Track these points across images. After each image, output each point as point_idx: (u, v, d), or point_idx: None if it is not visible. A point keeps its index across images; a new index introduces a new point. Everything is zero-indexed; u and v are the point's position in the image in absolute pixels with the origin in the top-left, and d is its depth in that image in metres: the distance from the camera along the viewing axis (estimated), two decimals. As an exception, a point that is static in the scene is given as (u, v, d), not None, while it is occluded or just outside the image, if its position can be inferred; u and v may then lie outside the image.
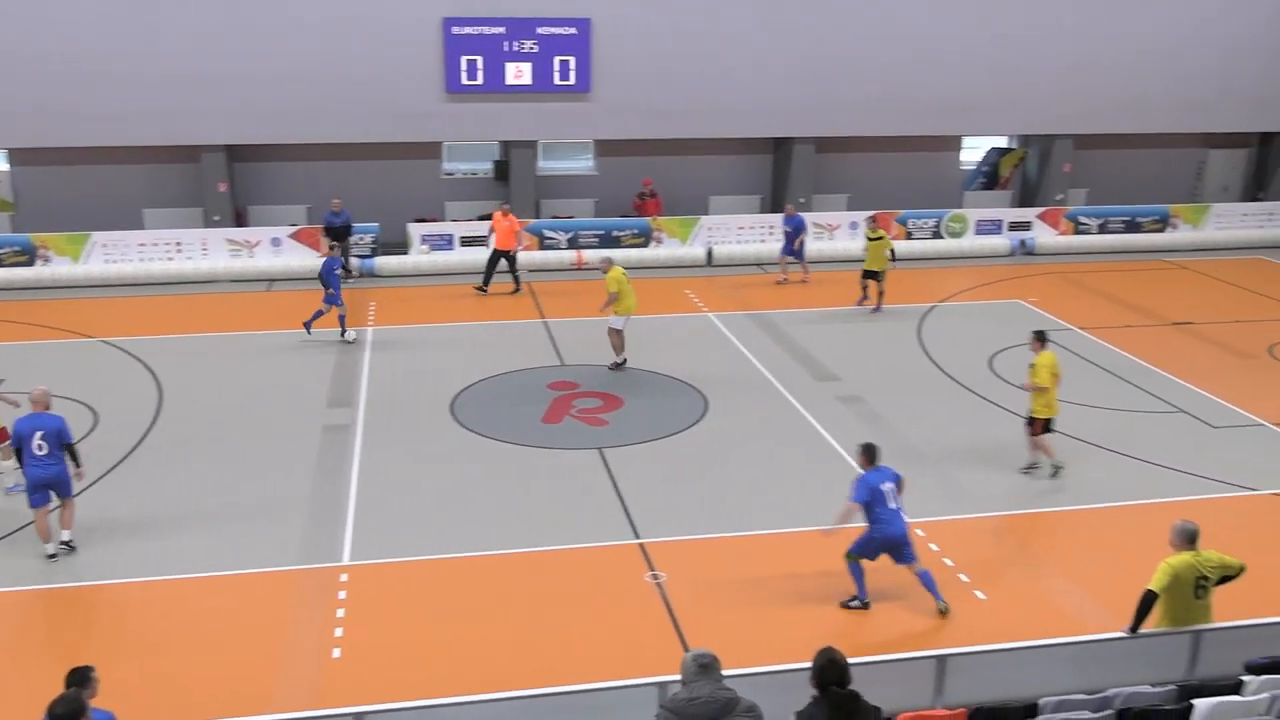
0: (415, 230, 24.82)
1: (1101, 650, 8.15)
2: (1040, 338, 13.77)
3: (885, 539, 10.60)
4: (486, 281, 22.58)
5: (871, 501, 10.54)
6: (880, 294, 21.15)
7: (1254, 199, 29.11)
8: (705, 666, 6.56)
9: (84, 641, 10.26)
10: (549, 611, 10.81)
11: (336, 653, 10.08)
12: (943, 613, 10.62)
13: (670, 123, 25.47)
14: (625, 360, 17.78)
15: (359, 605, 10.87)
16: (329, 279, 18.93)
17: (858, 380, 17.42)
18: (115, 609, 10.95)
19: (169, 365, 17.87)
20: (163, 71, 23.23)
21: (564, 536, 12.27)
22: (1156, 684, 7.76)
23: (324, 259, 19.32)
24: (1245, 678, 7.64)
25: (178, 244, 23.82)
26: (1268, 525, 12.92)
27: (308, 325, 19.18)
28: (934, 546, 12.07)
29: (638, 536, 12.29)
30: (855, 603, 10.84)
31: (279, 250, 24.13)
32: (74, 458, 11.69)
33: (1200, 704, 7.10)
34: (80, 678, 7.13)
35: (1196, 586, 8.30)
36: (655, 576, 11.43)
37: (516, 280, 22.74)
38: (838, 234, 25.94)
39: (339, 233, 23.39)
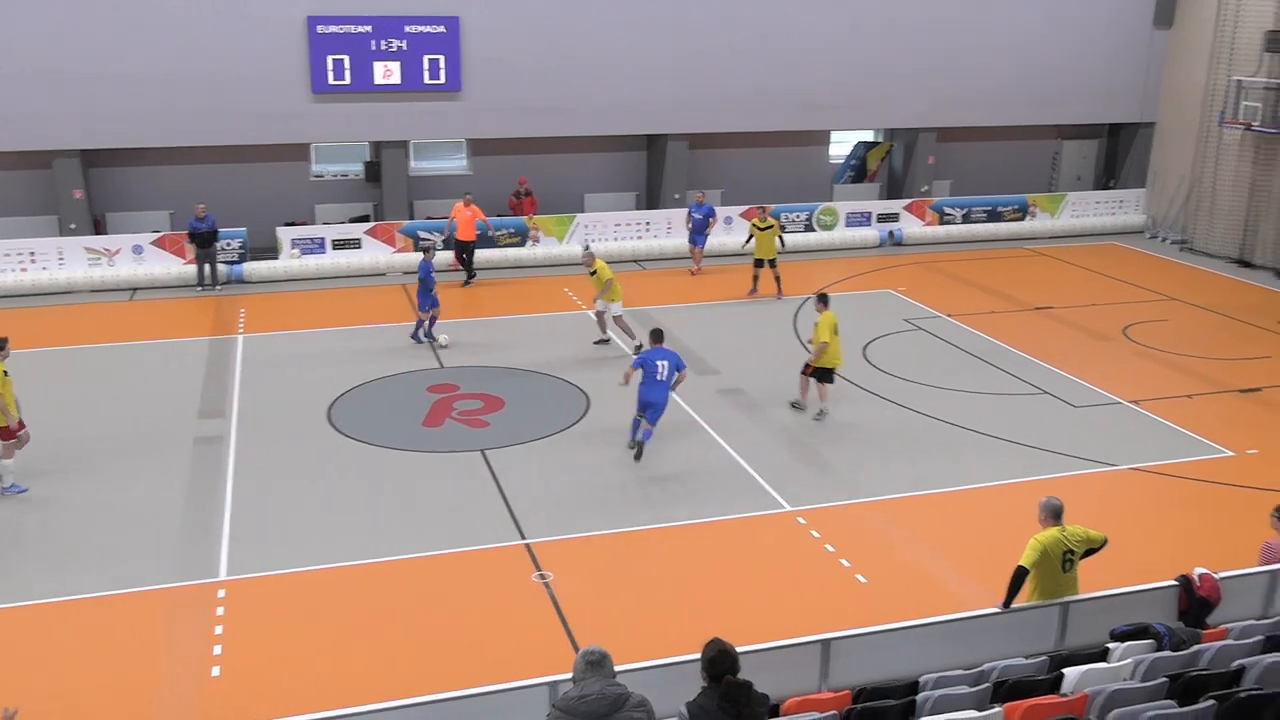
0: (285, 234, 24.23)
1: (977, 626, 8.43)
2: (823, 300, 15.96)
3: (641, 399, 13.97)
4: (470, 274, 23.20)
5: (644, 369, 13.93)
6: (777, 280, 21.84)
7: (1105, 187, 30.44)
8: (594, 663, 6.57)
9: (-57, 674, 9.76)
10: (436, 617, 10.70)
11: (216, 671, 9.79)
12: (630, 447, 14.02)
13: (543, 121, 25.40)
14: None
15: (238, 621, 10.58)
16: (428, 281, 18.87)
17: (737, 373, 17.66)
18: (-24, 638, 10.45)
19: (27, 381, 17.02)
20: (9, 72, 22.18)
21: (448, 540, 12.15)
22: (1029, 655, 8.07)
23: (421, 261, 19.19)
24: (1111, 645, 8.00)
25: (31, 254, 22.77)
26: (1127, 498, 13.55)
27: (416, 336, 19.23)
28: (815, 533, 12.33)
29: (523, 537, 12.25)
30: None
31: (141, 258, 23.27)
32: None
33: (1070, 672, 7.39)
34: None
35: (1064, 560, 8.65)
36: (542, 576, 11.41)
37: (470, 272, 23.24)
38: (713, 229, 26.18)
39: (204, 239, 22.70)
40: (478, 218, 23.03)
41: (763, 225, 21.68)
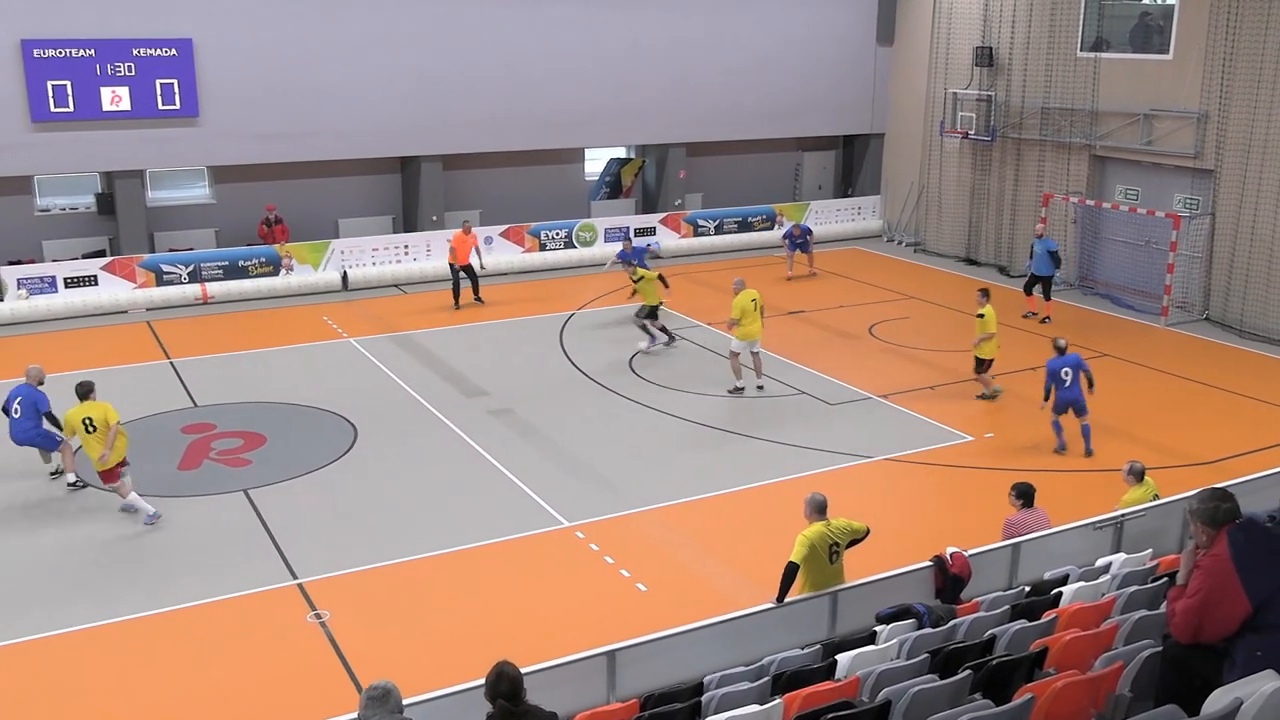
0: (9, 274, 22.41)
1: (754, 623, 8.73)
2: (985, 294, 17.85)
3: (1063, 400, 15.02)
4: (457, 295, 23.01)
5: (1053, 378, 15.05)
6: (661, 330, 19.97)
7: (844, 195, 32.22)
8: (376, 699, 6.40)
9: None
10: (207, 669, 10.14)
11: (-44, 754, 8.96)
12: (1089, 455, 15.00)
13: (287, 145, 24.57)
14: (743, 387, 17.57)
15: (-21, 697, 9.70)
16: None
17: (507, 392, 17.62)
18: None
19: None
20: None
21: (214, 588, 11.55)
22: (804, 646, 8.43)
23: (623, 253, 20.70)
24: (877, 628, 8.46)
25: None
26: (882, 488, 14.38)
27: (668, 334, 19.95)
28: (594, 546, 12.45)
29: (295, 577, 11.79)
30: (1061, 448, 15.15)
31: None
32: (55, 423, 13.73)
33: (842, 658, 7.76)
34: None
35: (830, 552, 9.09)
36: (318, 616, 11.02)
37: (475, 290, 23.15)
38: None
39: (-86, 282, 20.74)
40: (474, 243, 23.04)
41: (635, 278, 19.83)
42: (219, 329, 21.56)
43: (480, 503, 13.64)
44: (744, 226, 29.39)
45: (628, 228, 27.70)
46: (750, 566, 11.85)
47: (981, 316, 17.10)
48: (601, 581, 11.74)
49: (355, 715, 6.45)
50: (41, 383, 14.21)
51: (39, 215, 24.40)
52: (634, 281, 19.97)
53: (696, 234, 28.85)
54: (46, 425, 13.97)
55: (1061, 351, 15.20)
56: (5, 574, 11.89)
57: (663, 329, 19.81)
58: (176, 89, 23.28)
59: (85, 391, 12.97)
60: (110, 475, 12.87)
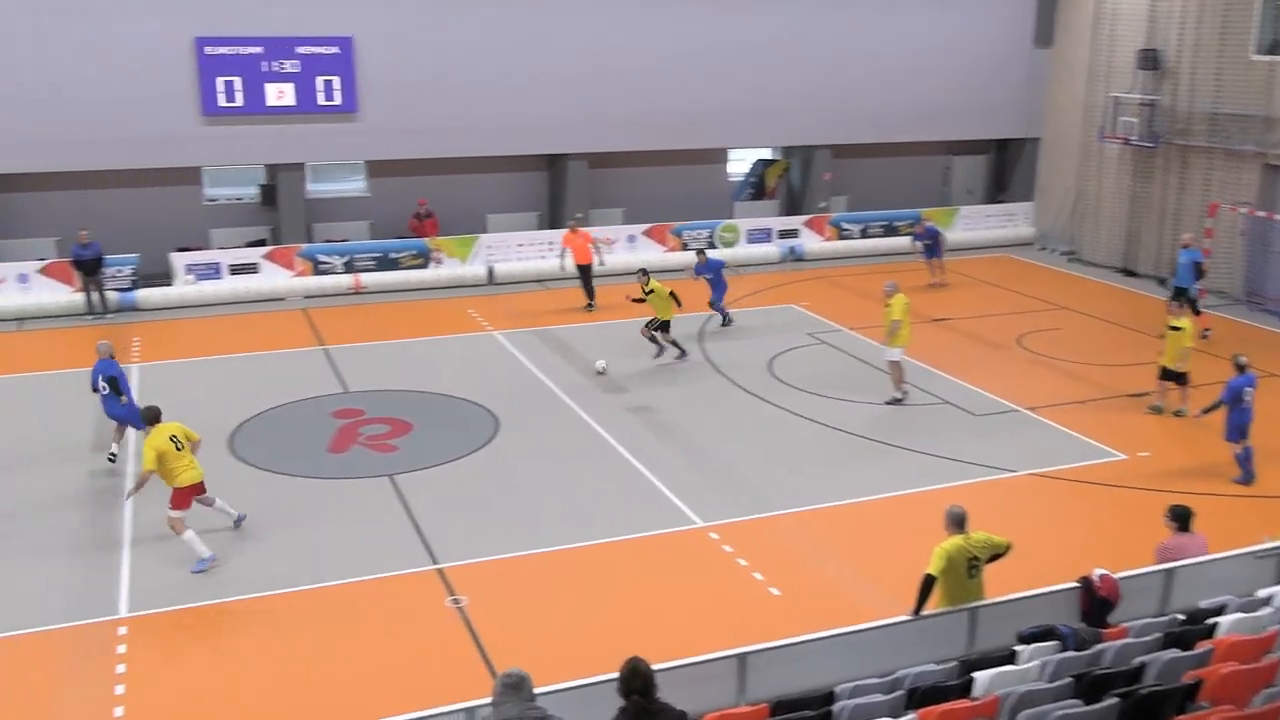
0: (179, 260, 23.62)
1: (889, 634, 8.57)
2: (1190, 304, 18.44)
3: (1236, 424, 14.17)
4: (590, 296, 22.85)
5: (1233, 399, 14.17)
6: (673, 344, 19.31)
7: (996, 201, 31.35)
8: (512, 686, 6.52)
9: None
10: (348, 647, 10.49)
11: (119, 711, 9.46)
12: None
13: (441, 141, 25.24)
14: (902, 398, 17.05)
15: (141, 659, 10.24)
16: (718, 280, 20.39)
17: (645, 390, 17.72)
18: None
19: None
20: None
21: (358, 568, 11.94)
22: (940, 661, 8.23)
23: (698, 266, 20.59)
24: (1018, 647, 8.21)
25: (-95, 283, 21.84)
26: (1028, 503, 13.93)
27: (724, 316, 20.98)
28: (728, 548, 12.41)
29: (435, 562, 12.10)
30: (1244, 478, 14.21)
31: (27, 287, 22.47)
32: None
33: (980, 676, 7.56)
34: None
35: (969, 567, 8.85)
36: (456, 601, 11.28)
37: (590, 295, 22.89)
38: (615, 248, 26.30)
39: (89, 266, 22.03)
40: (588, 241, 22.67)
41: (646, 290, 19.04)
42: (370, 318, 22.26)
43: (616, 498, 13.75)
44: (889, 230, 28.87)
45: (769, 228, 27.55)
46: (886, 577, 11.64)
47: (1178, 329, 16.09)
48: (734, 584, 11.70)
49: (489, 701, 6.57)
50: (112, 357, 14.58)
51: (207, 205, 25.64)
52: (644, 292, 19.00)
53: (841, 237, 28.49)
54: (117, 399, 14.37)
55: (1242, 370, 14.24)
56: (183, 545, 12.50)
57: (674, 343, 19.03)
58: (337, 86, 24.16)
59: (154, 416, 12.06)
60: (184, 498, 11.96)
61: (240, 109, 23.63)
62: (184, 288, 23.33)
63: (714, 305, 21.20)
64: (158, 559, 12.13)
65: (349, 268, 24.55)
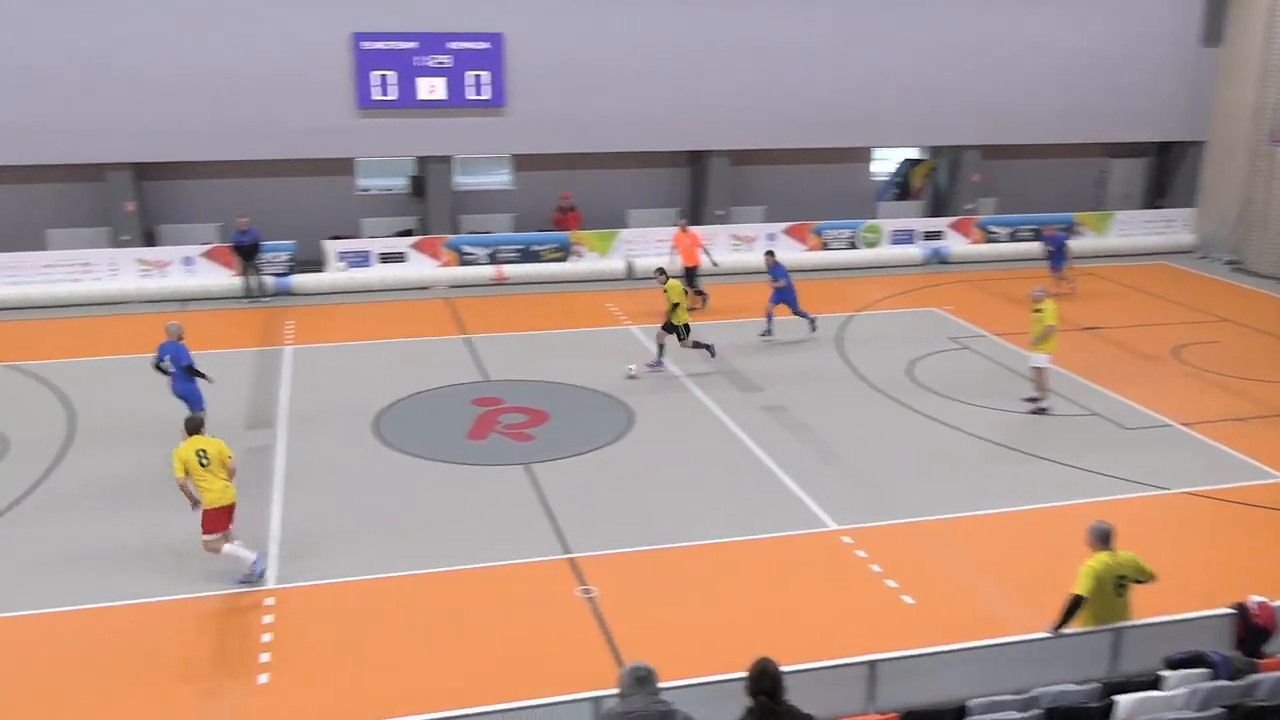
0: (331, 248, 24.48)
1: (1026, 650, 8.32)
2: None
3: None
4: (699, 294, 22.56)
5: None
6: (699, 344, 18.63)
7: (1154, 206, 30.08)
8: (641, 679, 6.56)
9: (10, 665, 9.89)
10: (478, 628, 10.71)
11: (263, 679, 9.86)
12: None
13: (586, 136, 25.52)
14: (1048, 407, 16.50)
15: (285, 630, 10.65)
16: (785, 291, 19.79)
17: (780, 390, 17.59)
18: (35, 638, 10.57)
19: (80, 389, 17.37)
20: (64, 87, 22.61)
21: (492, 553, 12.18)
22: (1080, 682, 7.95)
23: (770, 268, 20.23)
24: (1164, 673, 7.87)
25: (85, 265, 23.17)
26: (1180, 523, 13.33)
27: (808, 318, 20.32)
28: (861, 553, 12.23)
29: (567, 551, 12.25)
30: None
31: (192, 270, 23.61)
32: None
33: (1122, 700, 7.28)
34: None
35: (1116, 586, 8.52)
36: (586, 591, 11.40)
37: (700, 293, 22.57)
38: (755, 246, 26.18)
39: (247, 252, 23.02)
40: (698, 243, 22.44)
41: (665, 288, 18.43)
42: (510, 309, 22.67)
43: (748, 497, 13.69)
44: (1040, 235, 27.97)
45: (913, 229, 27.03)
46: (1025, 591, 11.30)
47: None
48: (866, 589, 11.52)
49: (616, 692, 6.63)
50: (181, 338, 14.84)
51: (359, 195, 26.51)
52: (662, 291, 18.44)
53: (988, 240, 27.75)
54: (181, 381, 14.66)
55: None
56: (327, 524, 12.98)
57: (662, 348, 18.39)
58: (487, 80, 24.65)
59: (195, 427, 11.62)
60: (216, 520, 11.44)
61: (393, 103, 24.34)
62: (335, 274, 24.16)
63: (794, 311, 20.32)
64: (304, 535, 12.59)
65: (492, 259, 25.05)
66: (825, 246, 26.78)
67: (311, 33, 23.63)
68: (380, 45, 24.06)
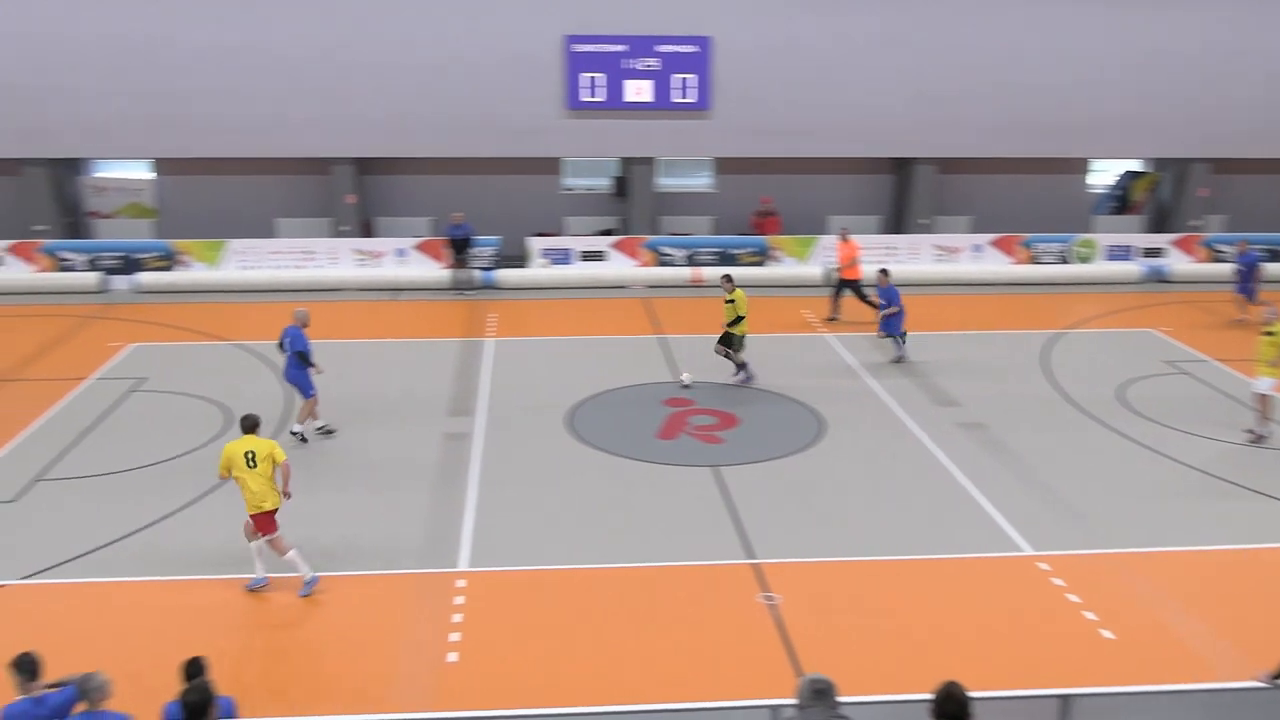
0: (535, 244, 25.18)
1: (1239, 699, 7.81)
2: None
3: None
4: (834, 310, 21.81)
5: None
6: (740, 366, 18.04)
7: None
8: (820, 692, 6.48)
9: (223, 629, 10.57)
10: (660, 627, 10.78)
11: (453, 656, 10.22)
12: None
13: (790, 141, 25.38)
14: (1267, 435, 15.55)
15: (475, 611, 11.01)
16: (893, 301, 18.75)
17: (979, 406, 17.03)
18: (241, 601, 11.27)
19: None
20: (295, 86, 24.06)
21: (676, 553, 12.25)
22: (1299, 737, 7.40)
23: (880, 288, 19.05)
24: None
25: (308, 253, 24.60)
26: None
27: (901, 344, 19.07)
28: (1058, 581, 11.70)
29: (751, 556, 12.20)
30: None
31: (404, 261, 24.72)
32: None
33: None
34: (201, 667, 7.43)
35: (1344, 636, 7.88)
36: (768, 598, 11.33)
37: (874, 305, 20.96)
38: (960, 257, 25.48)
39: (460, 245, 23.92)
40: (853, 253, 21.65)
41: (729, 299, 17.73)
42: (706, 311, 22.71)
43: (939, 514, 13.32)
44: (1275, 256, 26.14)
45: (1131, 245, 25.71)
46: (1237, 635, 10.55)
47: None
48: (1061, 620, 11.01)
49: (793, 702, 6.56)
50: (305, 326, 15.29)
51: (563, 194, 27.18)
52: (726, 302, 17.72)
53: (1213, 259, 26.12)
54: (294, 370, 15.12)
55: None
56: (519, 512, 13.37)
57: (736, 358, 17.88)
58: (693, 84, 24.82)
59: (251, 425, 11.45)
60: (267, 523, 11.27)
61: (601, 104, 24.83)
62: (538, 270, 24.83)
63: (884, 329, 19.32)
64: (497, 522, 12.99)
65: (690, 261, 25.22)
66: (1034, 260, 25.78)
67: (527, 35, 24.36)
68: (591, 48, 24.58)
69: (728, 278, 18.03)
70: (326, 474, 14.33)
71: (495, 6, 24.24)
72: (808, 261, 25.33)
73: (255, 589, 11.36)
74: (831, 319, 21.82)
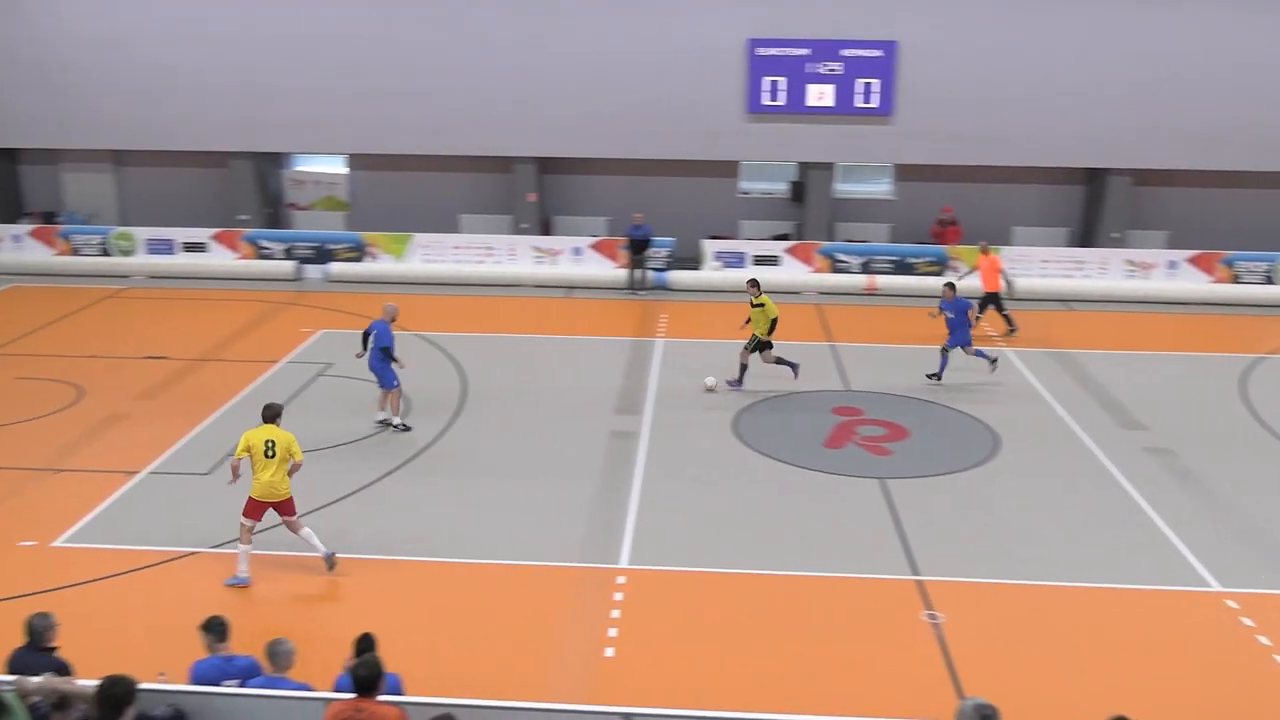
0: (709, 247, 25.22)
1: None
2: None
3: None
4: (1009, 323, 21.09)
5: None
6: (742, 369, 17.72)
7: None
8: (986, 718, 6.27)
9: (383, 607, 10.97)
10: (819, 637, 10.64)
11: (609, 652, 10.32)
12: None
13: (976, 149, 24.66)
14: None
15: (633, 608, 11.09)
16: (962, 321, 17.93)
17: (1168, 432, 16.16)
18: (409, 583, 11.66)
19: (474, 362, 18.96)
20: (482, 87, 24.77)
21: (839, 564, 12.05)
22: None
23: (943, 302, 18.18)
24: None
25: (488, 249, 25.30)
26: None
27: (943, 365, 18.00)
28: (1248, 621, 10.99)
29: (916, 573, 11.91)
30: None
31: (579, 259, 25.13)
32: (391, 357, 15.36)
33: None
34: (371, 643, 7.72)
35: None
36: (932, 616, 11.03)
37: (1009, 320, 20.99)
38: (1154, 274, 24.26)
39: (638, 246, 24.17)
40: (996, 266, 20.84)
41: (756, 302, 17.48)
42: (879, 320, 22.32)
43: (1119, 542, 12.69)
44: None
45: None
46: None
47: None
48: (1250, 663, 10.34)
49: (957, 725, 6.35)
50: (393, 320, 15.61)
51: (739, 197, 27.13)
52: (754, 305, 17.36)
53: None
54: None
55: None
56: (681, 513, 13.42)
57: (779, 360, 17.51)
58: (876, 88, 24.44)
59: (273, 414, 11.61)
60: (255, 509, 11.45)
61: (781, 108, 24.68)
62: (710, 273, 24.85)
63: (947, 348, 18.10)
64: (659, 521, 13.06)
65: (865, 268, 24.81)
66: (1236, 279, 24.31)
67: (711, 38, 24.42)
68: (774, 51, 24.46)
69: (754, 282, 17.77)
70: (492, 463, 14.69)
71: (680, 10, 24.39)
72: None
73: (233, 585, 11.36)
74: (1010, 331, 21.10)
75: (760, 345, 17.51)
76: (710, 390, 17.54)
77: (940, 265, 24.62)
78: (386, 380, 15.53)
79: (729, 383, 17.68)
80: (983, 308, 20.92)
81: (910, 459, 15.04)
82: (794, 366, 17.66)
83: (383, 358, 15.38)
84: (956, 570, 11.94)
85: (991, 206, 26.11)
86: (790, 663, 10.23)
